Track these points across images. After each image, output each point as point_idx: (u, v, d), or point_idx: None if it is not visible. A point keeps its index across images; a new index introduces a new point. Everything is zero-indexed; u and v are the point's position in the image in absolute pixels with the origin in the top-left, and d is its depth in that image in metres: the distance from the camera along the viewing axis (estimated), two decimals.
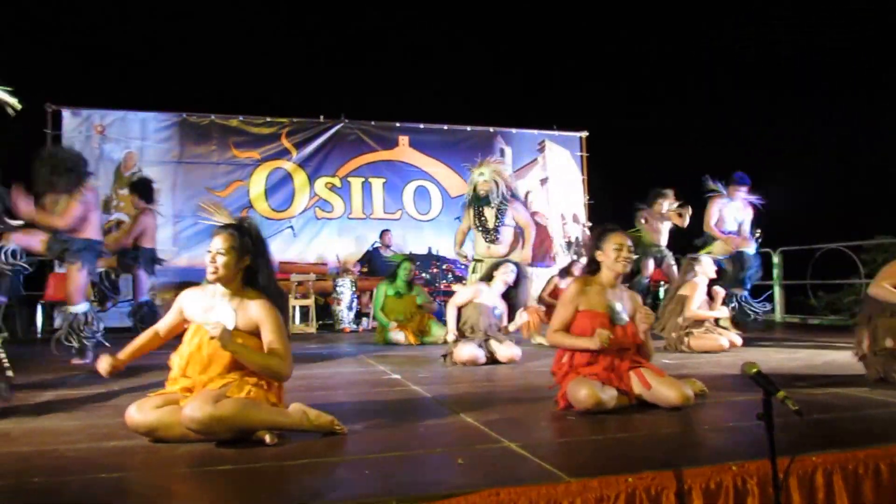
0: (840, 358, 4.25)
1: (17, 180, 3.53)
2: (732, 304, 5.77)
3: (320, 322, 7.53)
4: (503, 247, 5.06)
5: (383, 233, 8.39)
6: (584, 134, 9.85)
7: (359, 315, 7.52)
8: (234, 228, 2.32)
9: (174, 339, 2.46)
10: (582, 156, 9.85)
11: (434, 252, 8.51)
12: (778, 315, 8.11)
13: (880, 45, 10.30)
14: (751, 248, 6.00)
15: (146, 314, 5.70)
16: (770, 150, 11.01)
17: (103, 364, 2.35)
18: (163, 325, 2.47)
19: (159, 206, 6.19)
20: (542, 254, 7.01)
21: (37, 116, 7.71)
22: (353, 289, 7.42)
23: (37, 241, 4.23)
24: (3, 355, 2.68)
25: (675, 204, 6.41)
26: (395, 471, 1.88)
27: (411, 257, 6.46)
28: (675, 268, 6.46)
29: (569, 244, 9.16)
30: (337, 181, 8.86)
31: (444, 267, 8.05)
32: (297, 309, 7.42)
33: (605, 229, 2.86)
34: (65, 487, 1.76)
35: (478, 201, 5.11)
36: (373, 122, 9.12)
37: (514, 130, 9.62)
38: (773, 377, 1.71)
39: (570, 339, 2.75)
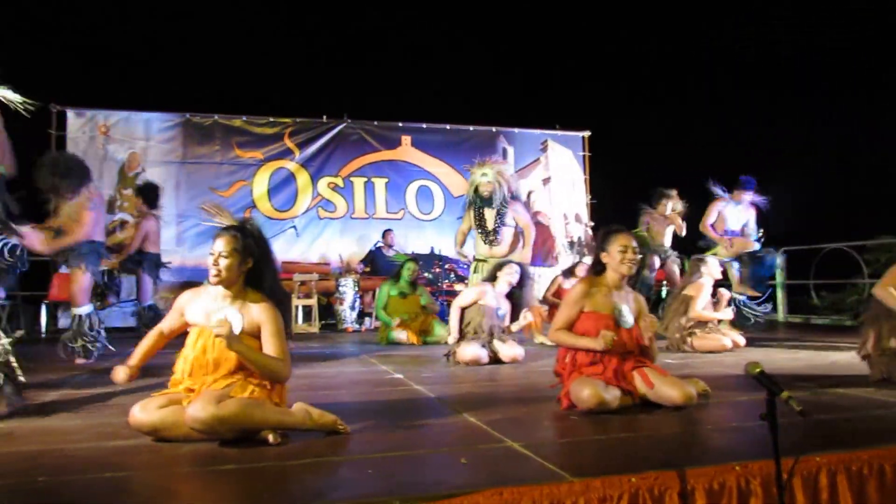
0: (843, 358, 4.24)
1: (21, 182, 3.54)
2: (731, 307, 5.76)
3: (323, 322, 7.54)
4: (503, 247, 5.06)
5: (386, 232, 8.40)
6: (587, 133, 9.85)
7: (361, 315, 7.52)
8: (236, 230, 2.31)
9: (177, 337, 2.47)
10: (584, 155, 9.85)
11: (436, 252, 8.51)
12: (781, 315, 8.09)
13: (880, 45, 10.28)
14: (754, 248, 5.99)
15: (150, 317, 5.73)
16: (770, 150, 11.00)
17: (121, 375, 2.37)
18: (165, 325, 2.47)
19: (162, 209, 6.23)
20: (544, 253, 7.01)
21: (41, 117, 7.74)
22: (356, 288, 7.43)
23: (36, 241, 4.24)
24: (14, 360, 2.68)
25: (679, 204, 6.39)
26: (397, 470, 1.88)
27: (415, 258, 6.47)
28: (677, 269, 6.45)
29: (571, 244, 9.15)
30: (340, 181, 8.87)
31: (446, 267, 8.05)
32: (300, 309, 7.43)
33: (609, 230, 2.85)
34: (69, 486, 1.77)
35: (479, 202, 5.11)
36: (375, 122, 9.12)
37: (516, 130, 9.62)
38: (776, 377, 1.71)
39: (573, 338, 2.74)
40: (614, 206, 9.32)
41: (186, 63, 10.31)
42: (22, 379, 2.71)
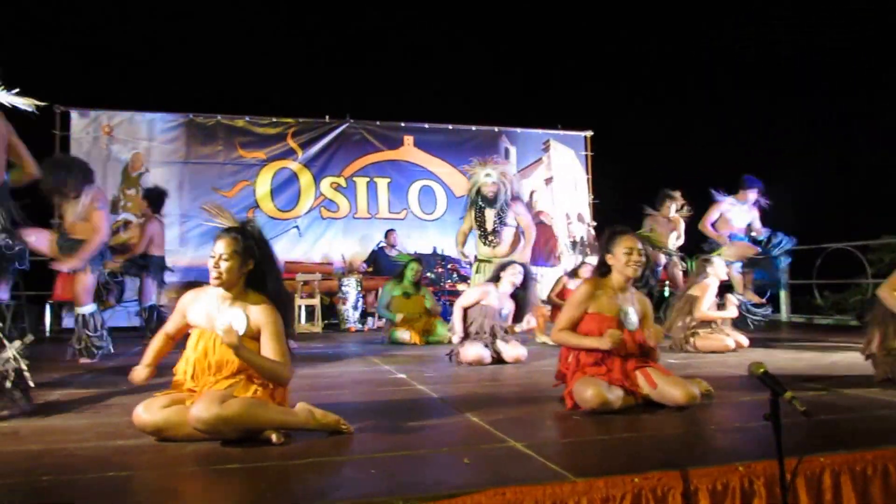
0: (847, 358, 4.23)
1: (26, 188, 3.56)
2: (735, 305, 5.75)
3: (326, 321, 7.54)
4: (504, 247, 5.05)
5: (388, 232, 8.40)
6: (589, 133, 9.83)
7: (364, 314, 7.53)
8: (237, 232, 2.30)
9: (183, 338, 2.47)
10: (587, 155, 9.84)
11: (439, 252, 8.51)
12: (784, 315, 8.07)
13: (880, 45, 10.25)
14: (755, 252, 5.99)
15: (153, 318, 5.76)
16: (770, 150, 10.98)
17: (140, 374, 2.36)
18: (170, 327, 2.47)
19: (164, 214, 6.28)
20: (546, 253, 6.99)
21: (45, 117, 7.76)
22: (359, 288, 7.44)
23: (44, 242, 4.26)
24: (25, 365, 2.69)
25: (684, 208, 6.38)
26: (400, 470, 1.89)
27: (419, 258, 6.47)
28: (680, 271, 6.44)
29: (574, 244, 9.14)
30: (342, 181, 8.88)
31: (448, 266, 8.05)
32: (303, 308, 7.44)
33: (614, 232, 2.82)
34: (73, 485, 1.77)
35: (481, 202, 5.10)
36: (378, 122, 9.13)
37: (518, 130, 9.61)
38: (779, 377, 1.71)
39: (578, 338, 2.73)
40: (617, 206, 9.32)
41: (190, 63, 10.35)
42: (31, 383, 2.72)
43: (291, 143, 8.72)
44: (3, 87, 3.00)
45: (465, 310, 4.46)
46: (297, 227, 8.56)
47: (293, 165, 8.69)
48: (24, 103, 3.02)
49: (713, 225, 6.13)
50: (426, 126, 9.31)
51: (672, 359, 4.34)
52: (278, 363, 2.23)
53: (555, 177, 9.50)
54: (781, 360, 4.26)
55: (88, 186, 4.38)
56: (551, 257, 7.09)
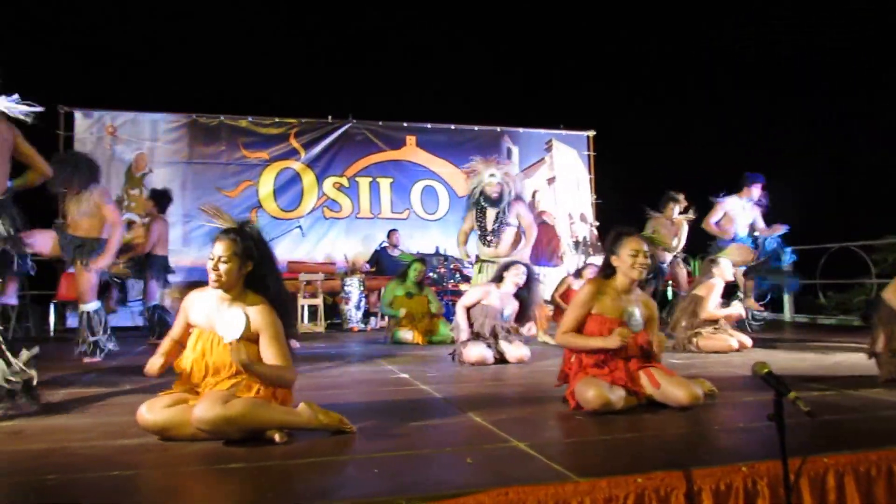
0: (851, 358, 4.22)
1: (33, 190, 3.58)
2: (739, 303, 5.74)
3: (328, 321, 7.55)
4: (504, 247, 5.05)
5: (391, 232, 8.40)
6: (591, 133, 9.83)
7: (367, 314, 7.53)
8: (235, 233, 2.29)
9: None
10: (589, 155, 9.83)
11: (441, 252, 8.52)
12: (787, 315, 8.05)
13: (880, 45, 10.22)
14: (754, 257, 6.00)
15: (157, 318, 5.77)
16: (770, 150, 10.96)
17: (155, 364, 2.33)
18: (175, 331, 2.45)
19: (168, 214, 6.32)
20: (549, 253, 6.99)
21: (49, 118, 7.79)
22: (362, 288, 7.44)
23: (47, 242, 4.27)
24: (34, 373, 2.70)
25: (689, 211, 6.37)
26: (403, 470, 1.89)
27: (422, 258, 6.47)
28: (684, 273, 6.42)
29: (576, 244, 9.13)
30: (345, 181, 8.89)
31: (451, 266, 8.05)
32: (306, 308, 7.45)
33: (620, 233, 2.79)
34: (77, 484, 1.78)
35: (484, 202, 5.10)
36: (380, 123, 9.14)
37: (521, 130, 9.61)
38: (783, 377, 1.70)
39: (583, 339, 2.71)
40: (619, 206, 9.31)
41: (192, 64, 10.37)
42: (38, 391, 2.73)
43: (294, 144, 8.74)
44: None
45: (468, 309, 4.46)
46: (299, 227, 8.57)
47: (296, 165, 8.70)
48: (22, 110, 3.03)
49: (717, 224, 6.11)
50: (429, 126, 9.31)
51: (675, 359, 4.34)
52: (282, 368, 2.23)
53: (557, 177, 9.50)
54: (785, 360, 4.25)
55: (94, 184, 4.40)
56: (554, 257, 7.09)
